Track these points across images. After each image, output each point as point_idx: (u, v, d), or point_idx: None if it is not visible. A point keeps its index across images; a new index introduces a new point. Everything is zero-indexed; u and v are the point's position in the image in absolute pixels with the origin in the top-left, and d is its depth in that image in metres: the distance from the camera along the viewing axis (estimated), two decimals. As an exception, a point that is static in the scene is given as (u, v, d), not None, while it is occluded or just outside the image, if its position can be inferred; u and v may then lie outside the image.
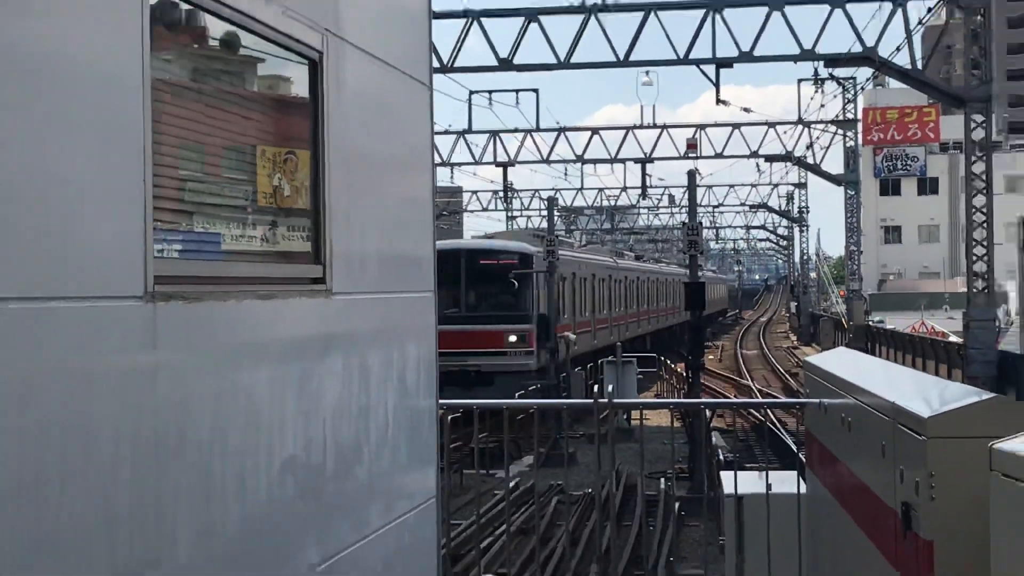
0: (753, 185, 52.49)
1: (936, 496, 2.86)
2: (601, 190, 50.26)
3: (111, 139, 2.11)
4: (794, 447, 10.87)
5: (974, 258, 20.24)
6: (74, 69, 2.05)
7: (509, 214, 48.64)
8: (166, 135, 2.31)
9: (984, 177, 19.88)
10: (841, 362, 5.20)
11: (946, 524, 2.86)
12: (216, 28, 2.59)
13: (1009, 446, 2.41)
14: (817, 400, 4.93)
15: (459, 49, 21.28)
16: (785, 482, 5.75)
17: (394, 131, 3.84)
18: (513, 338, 22.73)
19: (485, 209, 48.64)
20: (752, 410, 20.71)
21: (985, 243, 20.04)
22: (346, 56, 3.09)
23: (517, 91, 30.01)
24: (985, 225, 20.00)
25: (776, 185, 50.78)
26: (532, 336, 22.78)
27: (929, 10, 19.60)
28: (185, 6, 2.46)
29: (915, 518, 3.00)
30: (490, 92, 30.18)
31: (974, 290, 20.13)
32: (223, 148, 2.71)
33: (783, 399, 18.45)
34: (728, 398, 24.28)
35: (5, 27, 1.85)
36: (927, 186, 53.08)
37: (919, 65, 18.43)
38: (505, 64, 20.98)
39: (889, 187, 53.60)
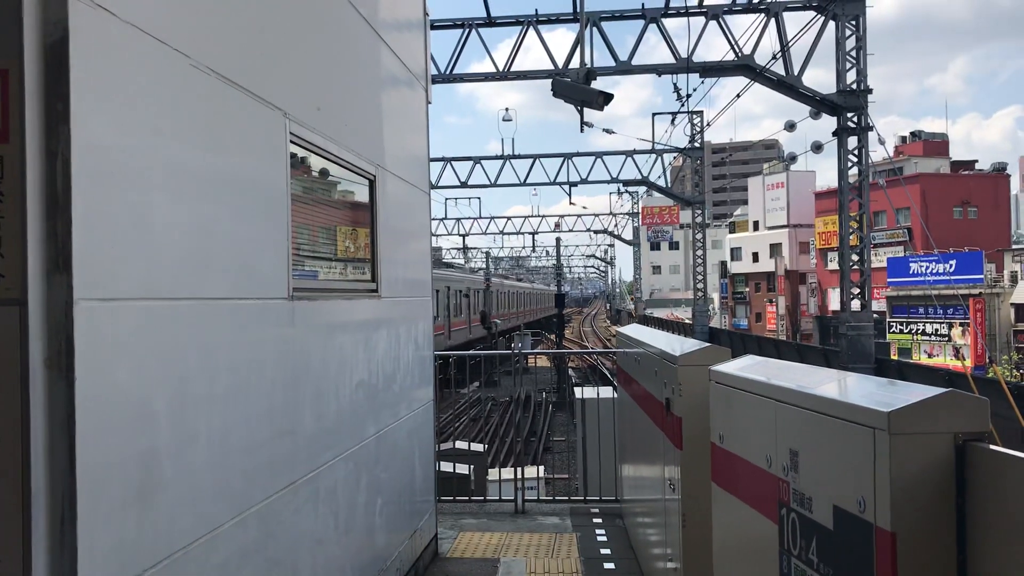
0: (588, 245, 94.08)
1: (682, 394, 4.27)
2: (512, 247, 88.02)
3: (273, 220, 3.44)
4: (610, 376, 19.68)
5: (698, 281, 37.33)
6: (258, 183, 3.33)
7: (466, 261, 72.62)
8: (296, 218, 3.70)
9: (701, 241, 37.41)
10: (634, 330, 7.19)
11: (687, 408, 4.21)
12: (321, 162, 4.23)
13: (717, 367, 3.66)
14: (623, 349, 7.06)
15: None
16: (606, 393, 9.22)
17: (409, 216, 5.93)
18: None
19: (454, 259, 73.44)
20: (588, 356, 38.64)
21: (701, 274, 37.29)
22: (387, 178, 5.18)
23: (470, 197, 61.95)
24: (701, 265, 37.17)
25: (599, 245, 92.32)
26: None
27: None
28: (305, 151, 3.96)
29: (671, 405, 4.51)
30: (456, 198, 60.97)
31: (697, 296, 37.09)
32: (324, 227, 4.47)
33: (605, 349, 30.79)
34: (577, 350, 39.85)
35: (234, 163, 3.14)
36: (674, 246, 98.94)
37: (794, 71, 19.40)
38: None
39: (655, 246, 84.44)
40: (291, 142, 3.72)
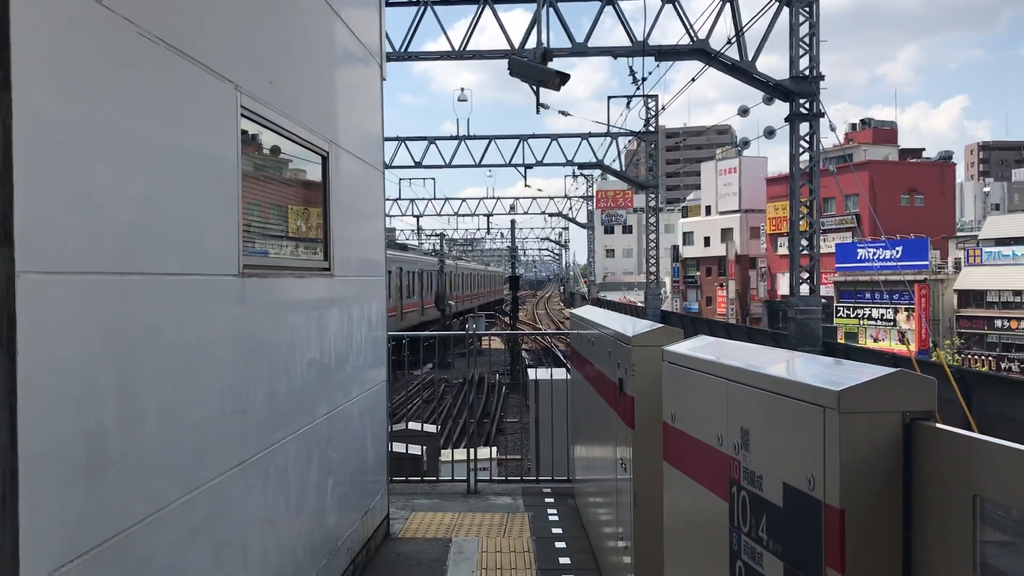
0: (543, 228, 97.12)
1: (635, 374, 4.28)
2: (467, 229, 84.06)
3: (224, 194, 3.37)
4: (563, 358, 20.14)
5: (650, 265, 38.11)
6: (208, 156, 3.25)
7: (420, 243, 70.35)
8: (247, 193, 3.62)
9: (654, 225, 38.19)
10: (588, 312, 7.15)
11: (640, 388, 4.24)
12: (273, 137, 4.15)
13: (670, 347, 3.65)
14: (577, 331, 7.13)
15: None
16: (559, 374, 9.30)
17: (363, 194, 5.87)
18: None
19: (408, 240, 71.02)
20: (541, 338, 42.91)
21: (654, 258, 38.15)
22: (340, 155, 5.11)
23: (424, 178, 67.32)
24: (654, 249, 38.08)
25: (554, 228, 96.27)
26: None
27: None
28: (256, 126, 3.87)
29: (624, 385, 4.52)
30: (410, 179, 63.69)
31: (650, 280, 37.84)
32: (276, 203, 4.41)
33: (559, 331, 34.44)
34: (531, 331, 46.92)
35: (184, 136, 3.02)
36: (628, 230, 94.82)
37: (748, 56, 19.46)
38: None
39: (609, 230, 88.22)
40: (242, 115, 3.65)
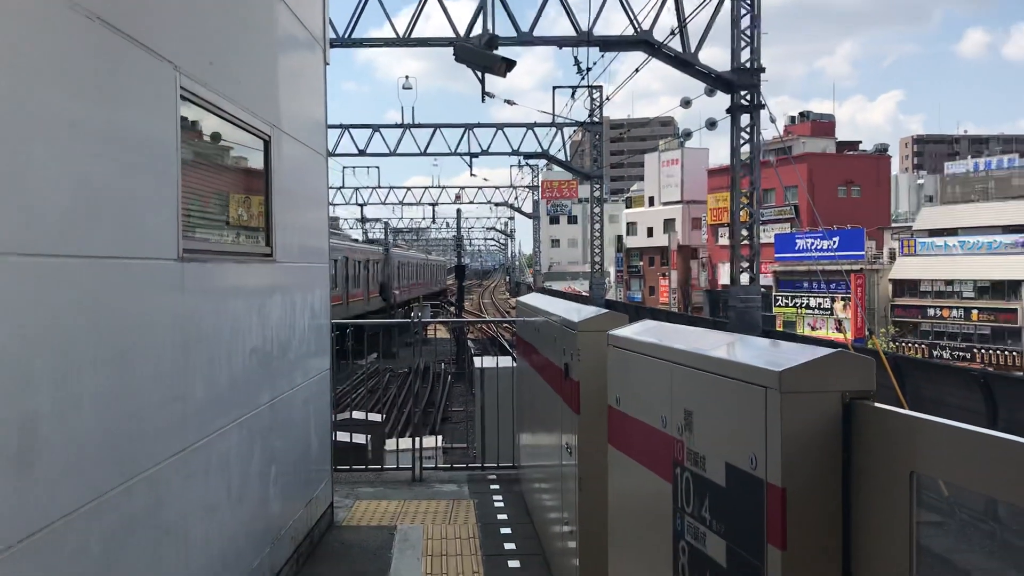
0: (489, 217, 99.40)
1: (581, 359, 4.30)
2: (412, 218, 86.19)
3: (163, 177, 3.31)
4: (509, 347, 20.25)
5: (595, 255, 38.11)
6: (146, 138, 3.17)
7: (364, 232, 70.78)
8: (187, 177, 3.53)
9: (599, 216, 38.56)
10: (534, 299, 7.27)
11: (586, 372, 4.24)
12: (214, 119, 4.06)
13: (615, 331, 3.66)
14: (523, 318, 7.14)
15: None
16: (505, 362, 9.34)
17: (306, 180, 5.80)
18: None
19: (352, 229, 72.33)
20: (487, 328, 42.73)
21: (598, 248, 38.31)
22: (283, 139, 5.04)
23: (368, 167, 60.43)
24: (598, 239, 38.34)
25: (500, 218, 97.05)
26: None
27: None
28: (196, 107, 3.77)
29: (570, 370, 4.54)
30: (354, 167, 59.39)
31: (595, 270, 37.89)
32: (217, 187, 4.33)
33: (505, 319, 34.04)
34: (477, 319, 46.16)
35: (121, 116, 2.97)
36: (573, 220, 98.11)
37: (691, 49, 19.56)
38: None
39: (555, 220, 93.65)
40: (181, 97, 3.57)
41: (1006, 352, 45.22)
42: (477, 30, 19.12)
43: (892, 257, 52.20)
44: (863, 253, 50.55)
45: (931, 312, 48.88)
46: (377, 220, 72.15)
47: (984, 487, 1.91)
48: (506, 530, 6.47)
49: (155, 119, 3.35)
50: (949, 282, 48.32)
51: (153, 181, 3.31)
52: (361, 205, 63.09)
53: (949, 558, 8.47)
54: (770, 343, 2.86)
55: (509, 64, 10.23)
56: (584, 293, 49.78)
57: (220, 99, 4.07)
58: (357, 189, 61.42)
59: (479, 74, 18.86)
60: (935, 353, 45.95)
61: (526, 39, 20.15)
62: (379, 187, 61.30)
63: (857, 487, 2.16)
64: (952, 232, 49.93)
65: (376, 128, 38.54)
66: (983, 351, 45.48)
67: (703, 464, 2.65)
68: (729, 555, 2.47)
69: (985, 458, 1.80)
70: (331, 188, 44.31)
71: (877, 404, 2.15)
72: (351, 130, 37.97)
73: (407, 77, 36.96)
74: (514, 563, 5.80)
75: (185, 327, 3.60)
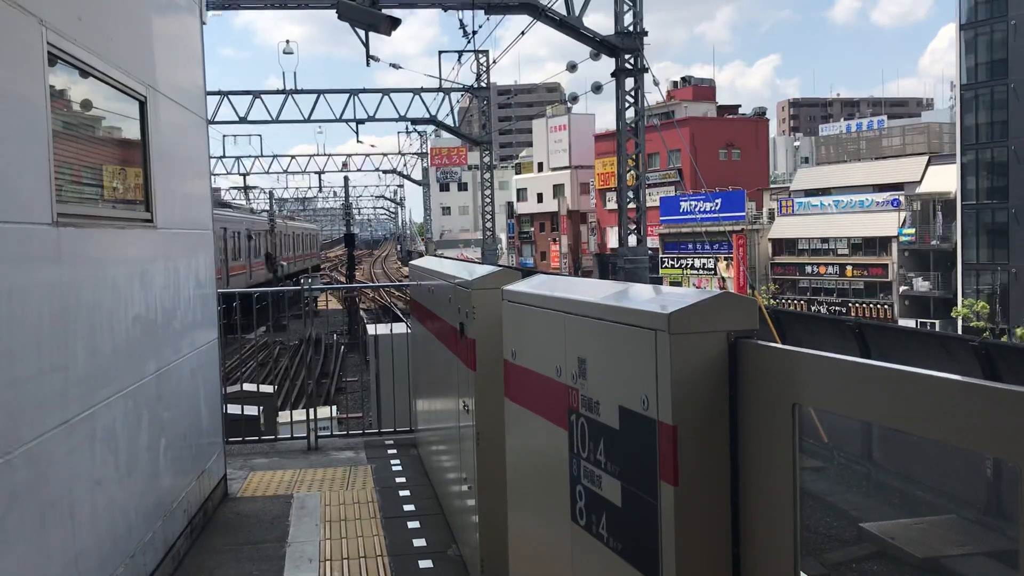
0: (378, 185, 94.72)
1: (476, 317, 4.37)
2: (297, 187, 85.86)
3: (32, 137, 3.16)
4: (402, 316, 18.19)
5: (486, 221, 40.49)
6: (12, 95, 3.04)
7: (247, 201, 65.94)
8: (59, 138, 3.43)
9: (489, 182, 40.75)
10: (427, 261, 7.51)
11: (481, 330, 4.33)
12: (87, 79, 3.94)
13: (510, 287, 3.73)
14: (416, 282, 7.16)
15: None
16: (399, 329, 9.44)
17: (186, 143, 5.61)
18: None
19: (235, 199, 66.55)
20: (380, 296, 40.57)
21: (489, 214, 40.19)
22: (160, 100, 4.85)
23: (250, 135, 58.61)
24: (489, 205, 40.31)
25: (389, 186, 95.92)
26: None
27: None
28: (66, 64, 3.65)
29: (466, 328, 4.59)
30: (235, 135, 60.47)
31: (486, 237, 40.43)
32: (91, 150, 4.21)
33: (398, 283, 34.53)
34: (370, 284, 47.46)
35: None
36: (463, 187, 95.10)
37: (576, 13, 19.85)
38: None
39: (445, 187, 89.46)
40: (49, 53, 3.40)
41: (878, 305, 47.65)
42: None
43: (771, 217, 54.10)
44: (744, 214, 52.25)
45: (808, 269, 51.01)
46: (256, 188, 69.95)
47: (860, 413, 2.02)
48: (405, 492, 6.49)
49: (21, 77, 3.18)
50: (825, 240, 50.48)
51: (21, 142, 3.15)
52: (244, 175, 61.14)
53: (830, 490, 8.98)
54: (659, 288, 2.94)
55: (394, 22, 10.05)
56: (476, 260, 50.42)
57: (91, 56, 3.89)
58: (239, 158, 59.62)
59: (363, 35, 18.48)
60: (813, 308, 48.01)
61: (410, 1, 20.07)
62: (262, 156, 59.59)
63: (744, 422, 2.25)
64: (826, 192, 52.06)
65: (257, 94, 37.50)
66: (857, 304, 47.82)
67: (597, 409, 2.71)
68: (624, 495, 2.55)
69: (860, 386, 1.91)
70: (212, 157, 43.05)
71: (760, 342, 2.24)
72: (231, 96, 36.86)
73: (287, 42, 36.00)
74: (414, 523, 5.82)
75: (63, 294, 3.46)
